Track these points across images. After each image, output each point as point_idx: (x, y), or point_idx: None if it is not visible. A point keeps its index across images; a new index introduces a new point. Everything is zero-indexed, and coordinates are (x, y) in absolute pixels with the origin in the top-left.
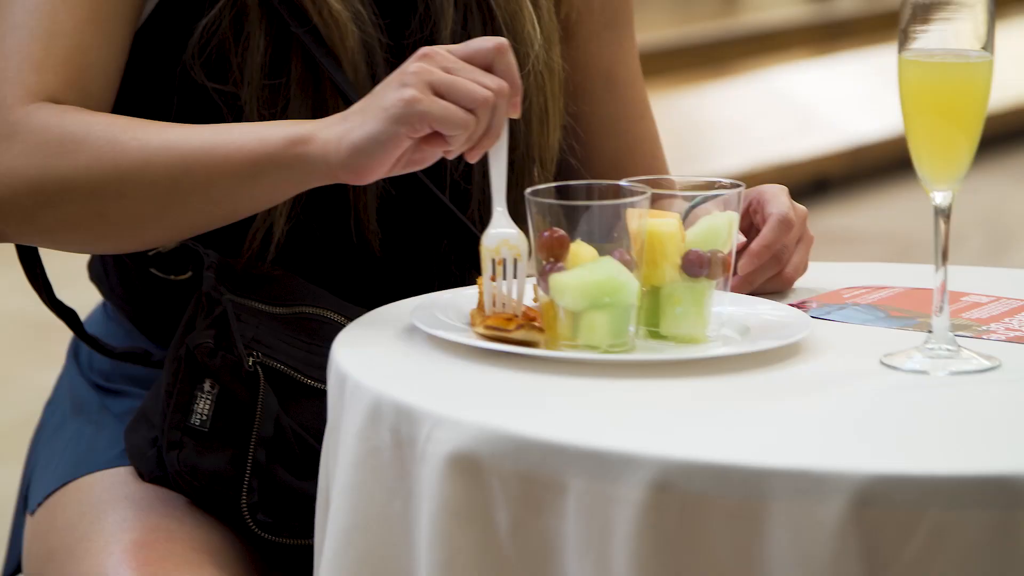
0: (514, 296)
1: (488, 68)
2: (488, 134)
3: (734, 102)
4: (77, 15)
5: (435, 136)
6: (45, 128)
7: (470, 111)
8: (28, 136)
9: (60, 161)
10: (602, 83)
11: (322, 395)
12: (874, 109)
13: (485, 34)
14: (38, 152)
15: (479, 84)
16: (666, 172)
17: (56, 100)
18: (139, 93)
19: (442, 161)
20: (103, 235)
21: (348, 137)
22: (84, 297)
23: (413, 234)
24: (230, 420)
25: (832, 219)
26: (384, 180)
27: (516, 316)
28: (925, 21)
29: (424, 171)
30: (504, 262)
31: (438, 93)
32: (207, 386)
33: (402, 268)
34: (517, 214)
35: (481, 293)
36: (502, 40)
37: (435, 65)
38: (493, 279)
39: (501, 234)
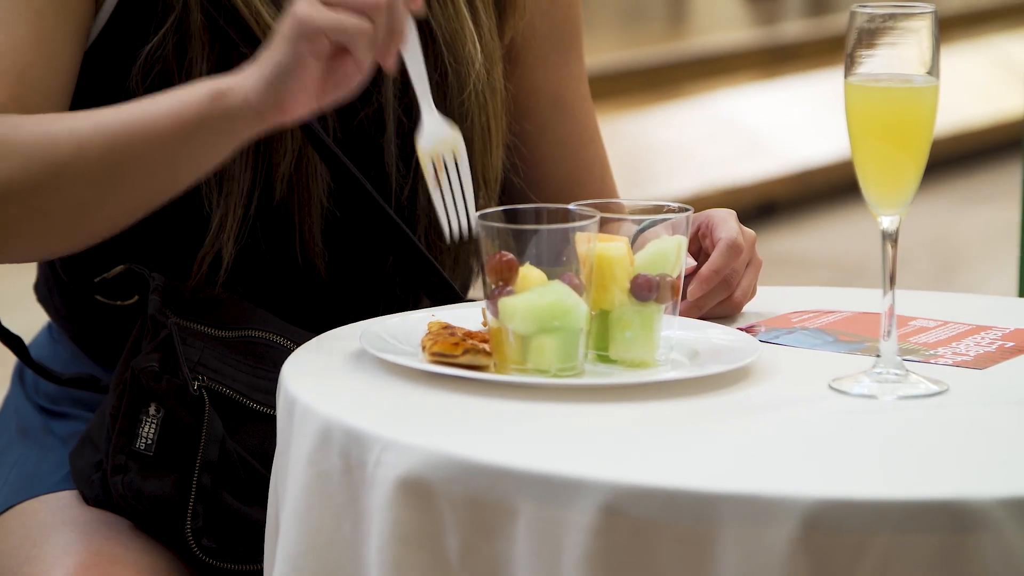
0: (463, 195)
1: None
2: (392, 35)
3: (681, 126)
4: (18, 35)
5: (342, 53)
6: (14, 129)
7: (365, 16)
8: None
9: (27, 159)
10: (550, 107)
11: (268, 419)
12: (821, 133)
13: (426, 53)
14: (8, 153)
15: (364, 27)
16: (616, 196)
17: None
18: None
19: (387, 183)
20: (48, 233)
21: (258, 74)
22: (28, 320)
23: (359, 256)
24: (175, 444)
25: (779, 243)
26: (328, 201)
27: (462, 340)
28: (871, 46)
29: (373, 188)
30: (444, 162)
31: (328, 5)
32: (152, 410)
33: (348, 291)
34: (464, 237)
35: (431, 327)
36: None
37: (317, 7)
38: (439, 184)
39: (434, 133)
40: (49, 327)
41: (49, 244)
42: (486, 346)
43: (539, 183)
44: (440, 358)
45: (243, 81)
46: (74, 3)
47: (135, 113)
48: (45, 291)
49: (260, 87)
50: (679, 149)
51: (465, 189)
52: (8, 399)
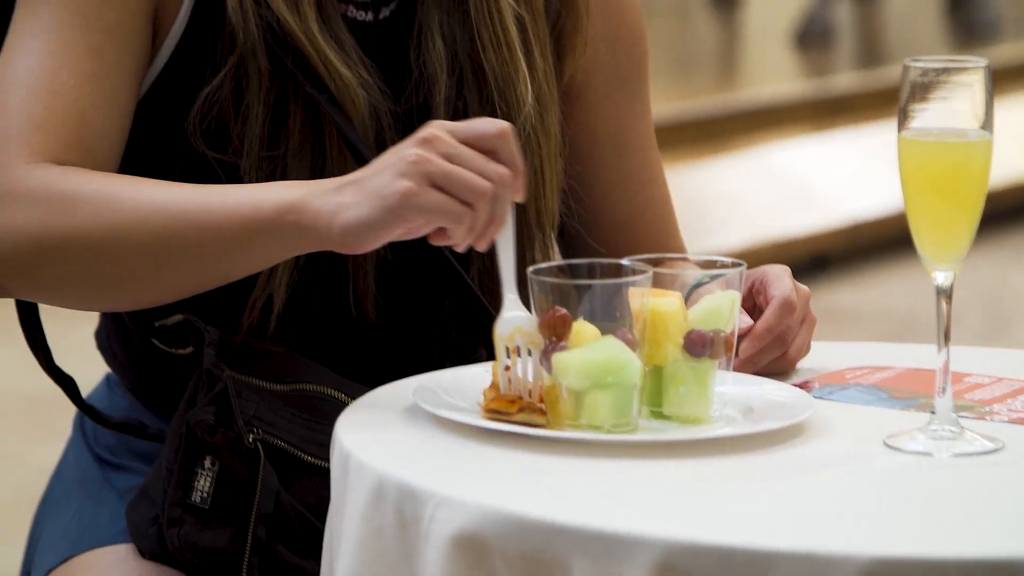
0: (531, 381)
1: (491, 152)
2: (493, 223)
3: (733, 178)
4: (78, 74)
5: (439, 228)
6: (45, 186)
7: (468, 203)
8: (28, 195)
9: (59, 219)
10: (612, 146)
11: (323, 472)
12: (873, 185)
13: (480, 98)
14: (38, 210)
15: (479, 173)
16: (677, 236)
17: (58, 160)
18: (142, 159)
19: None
20: (100, 292)
21: (340, 217)
22: (87, 370)
23: (412, 301)
24: (230, 497)
25: (832, 296)
26: (383, 247)
27: (520, 399)
28: (924, 100)
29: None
30: (519, 349)
31: (436, 185)
32: (208, 463)
33: (401, 338)
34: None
35: (496, 375)
36: (504, 124)
37: (435, 152)
38: (508, 369)
39: (514, 319)
40: (107, 378)
41: (99, 302)
42: (543, 405)
43: (599, 223)
44: (495, 415)
45: (319, 204)
46: (134, 44)
47: (201, 201)
48: (105, 338)
49: (335, 228)
50: (730, 201)
51: (533, 377)
52: (68, 448)
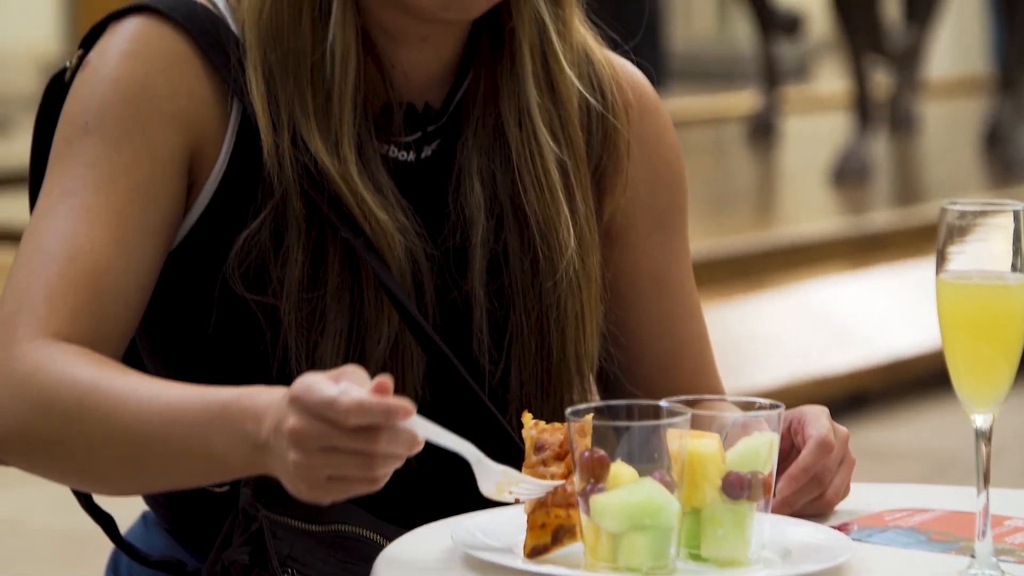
0: (542, 492)
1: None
2: (395, 459)
3: (771, 315)
4: (97, 239)
5: None
6: (30, 377)
7: (362, 456)
8: (18, 383)
9: (36, 423)
10: (651, 284)
11: None
12: (911, 323)
13: (520, 241)
14: (22, 404)
15: (368, 472)
16: (715, 376)
17: (65, 332)
18: (177, 306)
19: (479, 369)
20: (88, 484)
21: (288, 483)
22: (123, 509)
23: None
24: None
25: (870, 435)
26: (423, 388)
27: (549, 516)
28: (961, 242)
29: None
30: (516, 497)
31: (325, 451)
32: None
33: (439, 479)
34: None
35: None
36: (367, 403)
37: (312, 455)
38: (517, 501)
39: (490, 478)
40: (144, 516)
41: (92, 489)
42: (572, 518)
43: (637, 364)
44: (536, 552)
45: (275, 462)
46: (161, 200)
47: (166, 430)
48: None
49: (290, 485)
50: (768, 339)
51: (544, 490)
52: None
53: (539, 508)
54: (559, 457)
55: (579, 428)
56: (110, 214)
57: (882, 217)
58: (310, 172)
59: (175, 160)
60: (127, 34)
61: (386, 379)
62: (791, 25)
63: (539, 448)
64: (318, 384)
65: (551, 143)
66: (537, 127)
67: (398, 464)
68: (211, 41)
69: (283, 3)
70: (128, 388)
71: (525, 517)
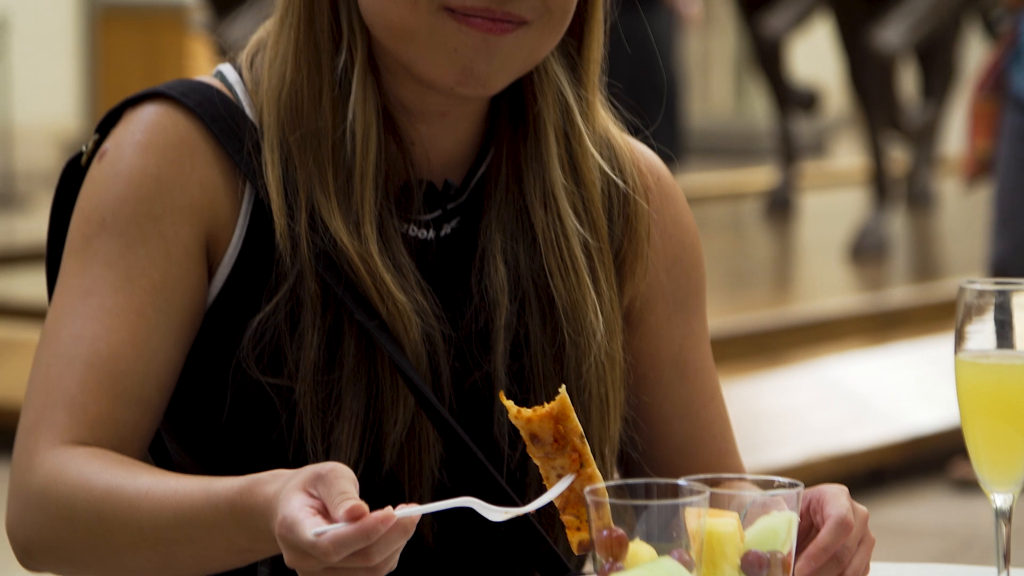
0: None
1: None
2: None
3: (789, 392)
4: (116, 340)
5: None
6: (49, 488)
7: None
8: (39, 495)
9: (63, 531)
10: (671, 367)
11: None
12: (930, 400)
13: (544, 325)
14: (45, 516)
15: (373, 572)
16: (735, 455)
17: (85, 438)
18: (191, 390)
19: (498, 452)
20: None
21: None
22: None
23: (468, 524)
24: None
25: (889, 512)
26: (440, 471)
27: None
28: (980, 321)
29: (484, 456)
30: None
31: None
32: None
33: (458, 560)
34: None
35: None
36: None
37: (316, 574)
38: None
39: (499, 512)
40: None
41: None
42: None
43: (658, 447)
44: (583, 547)
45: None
46: (180, 296)
47: (184, 536)
48: None
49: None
50: (787, 415)
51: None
52: None
53: (568, 509)
54: (560, 448)
55: (596, 506)
56: (128, 316)
57: (900, 293)
58: (326, 253)
59: (189, 253)
60: (141, 124)
61: (357, 505)
62: (808, 101)
63: (534, 440)
64: (297, 525)
65: (576, 225)
66: (563, 209)
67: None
68: (224, 127)
69: (302, 83)
70: (141, 491)
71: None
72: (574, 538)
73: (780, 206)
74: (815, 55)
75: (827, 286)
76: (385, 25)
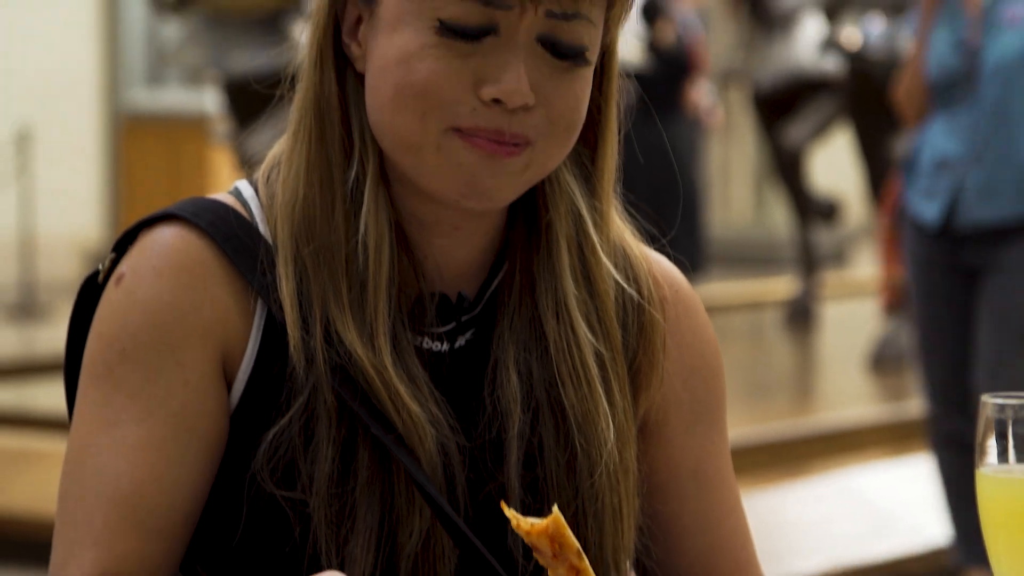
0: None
1: None
2: None
3: (810, 502)
4: (139, 477)
5: None
6: None
7: None
8: None
9: None
10: (690, 479)
11: None
12: None
13: (556, 434)
14: None
15: None
16: (755, 567)
17: (112, 573)
18: (208, 506)
19: (513, 563)
20: None
21: None
22: None
23: None
24: None
25: None
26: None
27: None
28: (1002, 435)
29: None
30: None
31: None
32: None
33: None
34: None
35: None
36: None
37: None
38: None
39: None
40: None
41: None
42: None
43: (676, 559)
44: None
45: None
46: (201, 424)
47: None
48: None
49: None
50: (808, 526)
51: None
52: None
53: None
54: (560, 560)
55: None
56: (149, 451)
57: (921, 404)
58: (342, 367)
59: (206, 377)
60: (155, 248)
61: None
62: (828, 211)
63: (535, 549)
64: None
65: (588, 335)
66: (575, 319)
67: None
68: (236, 245)
69: (315, 197)
70: None
71: None
72: None
73: (800, 316)
74: (835, 165)
75: (848, 396)
76: (393, 140)
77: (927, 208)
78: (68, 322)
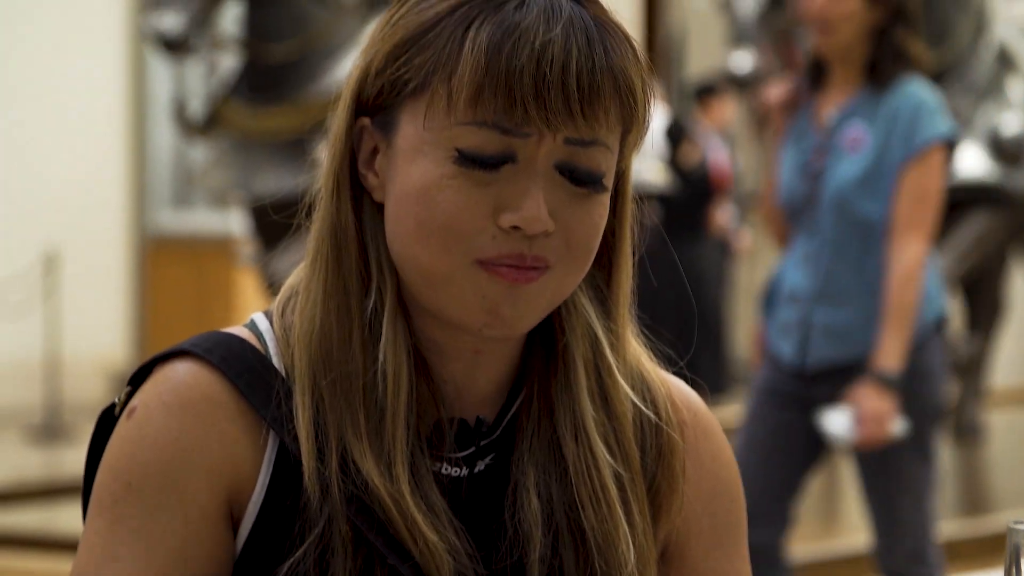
0: None
1: None
2: None
3: None
4: None
5: None
6: None
7: None
8: None
9: None
10: None
11: None
12: None
13: (577, 557)
14: None
15: None
16: None
17: None
18: None
19: None
20: None
21: None
22: None
23: None
24: None
25: None
26: None
27: None
28: None
29: None
30: None
31: None
32: None
33: None
34: None
35: None
36: None
37: None
38: None
39: None
40: None
41: None
42: None
43: None
44: None
45: None
46: (199, 562)
47: None
48: None
49: None
50: None
51: None
52: None
53: None
54: None
55: None
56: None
57: (949, 527)
58: (358, 496)
59: (206, 515)
60: (167, 384)
61: None
62: None
63: None
64: None
65: (607, 457)
66: (593, 441)
67: None
68: (248, 380)
69: (332, 326)
70: None
71: None
72: None
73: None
74: None
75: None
76: (416, 271)
77: (783, 345)
78: (86, 453)
